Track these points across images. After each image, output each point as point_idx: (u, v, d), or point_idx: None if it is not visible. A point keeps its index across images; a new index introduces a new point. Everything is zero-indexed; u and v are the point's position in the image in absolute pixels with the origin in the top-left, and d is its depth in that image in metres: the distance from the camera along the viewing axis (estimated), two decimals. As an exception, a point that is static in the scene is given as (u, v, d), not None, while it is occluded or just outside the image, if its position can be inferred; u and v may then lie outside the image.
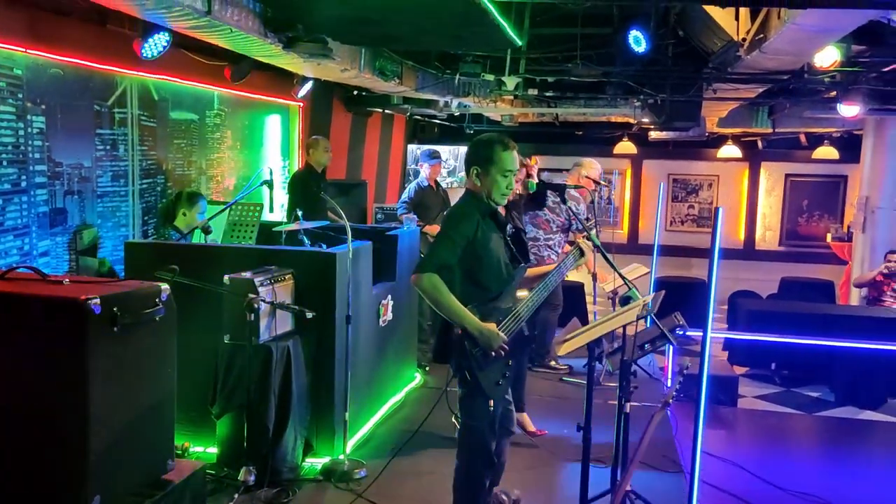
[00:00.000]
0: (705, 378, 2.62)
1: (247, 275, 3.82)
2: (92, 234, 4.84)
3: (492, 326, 3.02)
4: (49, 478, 2.34)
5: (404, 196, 6.92)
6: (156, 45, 4.61)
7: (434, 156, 6.97)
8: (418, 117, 10.53)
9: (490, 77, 6.97)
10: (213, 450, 4.07)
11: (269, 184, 4.83)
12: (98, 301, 2.27)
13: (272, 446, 3.89)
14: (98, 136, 4.93)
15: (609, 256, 3.25)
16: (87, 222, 4.85)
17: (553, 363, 6.20)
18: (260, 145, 7.32)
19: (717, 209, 2.53)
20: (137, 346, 2.48)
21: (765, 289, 9.42)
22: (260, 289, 3.75)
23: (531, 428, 4.76)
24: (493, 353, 3.02)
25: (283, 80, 6.95)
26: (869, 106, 7.09)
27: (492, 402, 3.10)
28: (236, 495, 3.65)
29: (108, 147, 5.02)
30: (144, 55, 4.58)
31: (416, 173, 7.20)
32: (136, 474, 2.54)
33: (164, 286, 2.59)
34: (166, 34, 4.60)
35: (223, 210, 4.82)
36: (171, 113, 5.75)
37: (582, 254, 3.23)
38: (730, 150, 11.21)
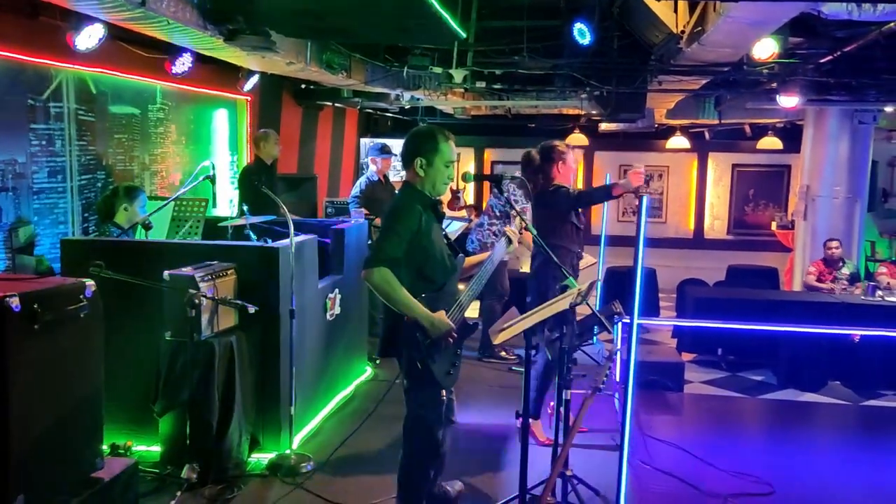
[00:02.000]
0: (633, 364, 2.68)
1: (187, 270, 3.77)
2: (28, 231, 4.72)
3: (441, 315, 3.04)
4: (-29, 479, 2.28)
5: (355, 191, 6.91)
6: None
7: (385, 150, 6.96)
8: (370, 111, 10.49)
9: (438, 70, 6.98)
10: (157, 448, 4.02)
11: (212, 178, 4.77)
12: (17, 299, 2.22)
13: (216, 443, 3.85)
14: (32, 131, 4.80)
15: (545, 245, 3.29)
16: (23, 219, 4.73)
17: (503, 353, 6.26)
18: (207, 140, 7.21)
19: (641, 198, 2.59)
20: (61, 344, 2.43)
21: (713, 277, 9.61)
22: (201, 284, 3.71)
23: (543, 437, 4.52)
24: (443, 343, 3.04)
25: (229, 74, 6.85)
26: (807, 97, 7.28)
27: (444, 392, 3.13)
28: (179, 493, 3.61)
29: (43, 142, 4.90)
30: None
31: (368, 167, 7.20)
32: (63, 473, 2.49)
33: (90, 282, 2.54)
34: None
35: (164, 205, 4.75)
36: (110, 107, 5.63)
37: (510, 241, 3.28)
38: (678, 141, 11.39)
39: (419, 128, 3.30)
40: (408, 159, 3.21)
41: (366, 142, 10.94)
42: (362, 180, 6.95)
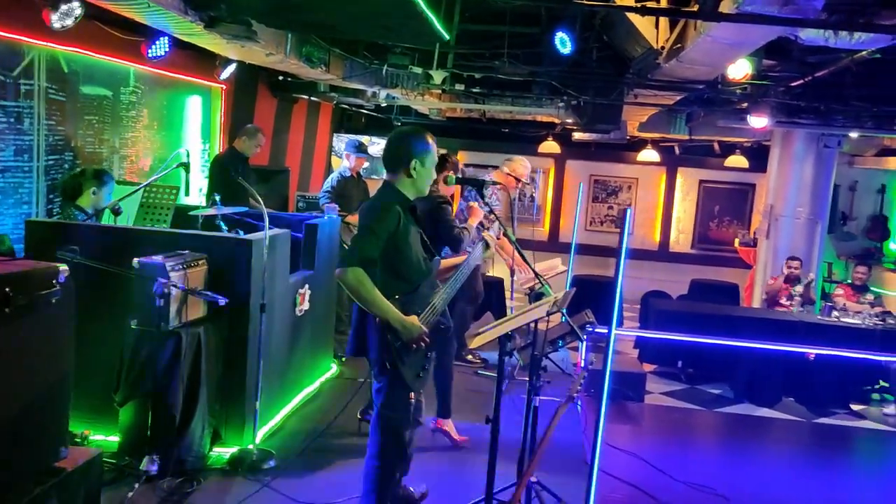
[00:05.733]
0: (608, 374, 2.72)
1: (157, 259, 3.70)
2: (-10, 210, 4.59)
3: (413, 319, 3.03)
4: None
5: (326, 185, 6.85)
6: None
7: (361, 149, 6.92)
8: (345, 106, 10.42)
9: (418, 70, 6.96)
10: (115, 438, 3.94)
11: (186, 166, 4.69)
12: (-12, 281, 2.16)
13: (178, 435, 3.79)
14: (1, 108, 4.66)
15: (524, 253, 3.31)
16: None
17: (470, 357, 6.27)
18: (179, 127, 7.09)
19: (625, 210, 2.63)
20: (31, 329, 2.36)
21: (676, 289, 9.77)
22: (171, 274, 3.65)
23: (456, 436, 4.58)
24: (414, 346, 3.03)
25: (206, 61, 6.74)
26: (776, 118, 7.46)
27: (412, 395, 3.12)
28: (137, 485, 3.54)
29: (11, 120, 4.76)
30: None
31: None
32: (27, 461, 2.43)
33: (63, 267, 2.47)
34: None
35: (136, 191, 4.66)
36: (82, 87, 5.50)
37: (487, 246, 3.29)
38: (649, 154, 11.55)
39: (407, 129, 3.29)
40: (402, 160, 3.17)
41: (339, 137, 10.88)
42: (335, 175, 6.90)
